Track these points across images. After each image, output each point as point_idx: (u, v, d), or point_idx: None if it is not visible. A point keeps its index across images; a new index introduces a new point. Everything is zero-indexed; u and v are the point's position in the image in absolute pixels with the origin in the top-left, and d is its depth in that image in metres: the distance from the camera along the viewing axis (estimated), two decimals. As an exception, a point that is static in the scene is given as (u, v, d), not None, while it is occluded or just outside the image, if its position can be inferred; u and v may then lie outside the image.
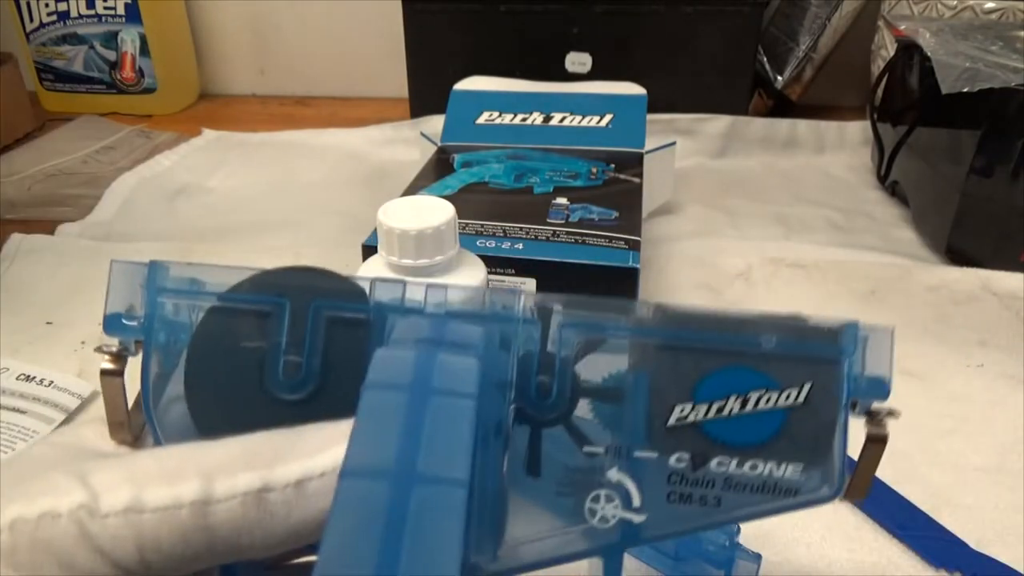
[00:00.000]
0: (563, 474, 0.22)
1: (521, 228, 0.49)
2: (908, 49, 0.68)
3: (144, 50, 0.95)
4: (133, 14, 0.93)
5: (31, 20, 0.94)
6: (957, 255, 0.60)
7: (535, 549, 0.22)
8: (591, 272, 0.45)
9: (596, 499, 0.22)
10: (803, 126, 0.83)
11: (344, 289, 0.22)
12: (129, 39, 0.94)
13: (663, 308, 0.22)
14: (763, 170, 0.80)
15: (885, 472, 0.40)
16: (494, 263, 0.45)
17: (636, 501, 0.22)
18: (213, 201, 0.74)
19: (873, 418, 0.22)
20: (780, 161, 0.81)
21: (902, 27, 0.68)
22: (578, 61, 0.83)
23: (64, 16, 0.93)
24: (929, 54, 0.60)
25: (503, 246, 0.47)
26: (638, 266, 0.46)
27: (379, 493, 0.16)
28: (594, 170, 0.59)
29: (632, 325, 0.22)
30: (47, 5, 0.93)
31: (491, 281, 0.44)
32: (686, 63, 0.82)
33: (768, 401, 0.21)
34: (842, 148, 0.83)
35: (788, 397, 0.21)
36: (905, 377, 0.47)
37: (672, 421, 0.22)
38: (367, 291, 0.22)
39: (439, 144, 0.65)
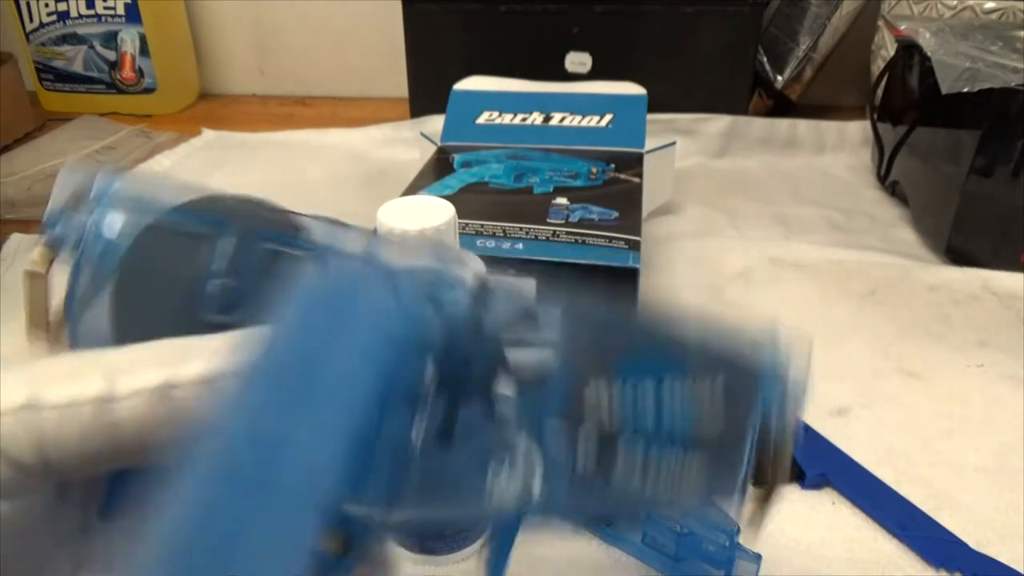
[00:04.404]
0: (474, 444, 0.22)
1: (521, 228, 0.49)
2: (908, 49, 0.68)
3: (144, 50, 0.95)
4: (133, 14, 0.93)
5: (31, 20, 0.94)
6: (957, 255, 0.60)
7: (432, 507, 0.21)
8: (591, 272, 0.45)
9: (500, 463, 0.21)
10: (803, 126, 0.83)
11: (283, 222, 0.22)
12: (129, 39, 0.94)
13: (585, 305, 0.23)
14: (763, 170, 0.80)
15: (885, 472, 0.40)
16: (494, 263, 0.45)
17: (538, 472, 0.21)
18: (213, 201, 0.74)
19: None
20: (780, 161, 0.81)
21: (902, 27, 0.68)
22: (578, 61, 0.83)
23: (64, 16, 0.93)
24: (929, 54, 0.60)
25: (503, 246, 0.47)
26: (638, 266, 0.46)
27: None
28: (594, 170, 0.59)
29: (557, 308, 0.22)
30: (47, 5, 0.93)
31: (491, 280, 0.44)
32: (686, 63, 0.82)
33: (682, 389, 0.21)
34: (842, 148, 0.83)
35: (703, 388, 0.21)
36: (905, 377, 0.47)
37: (587, 396, 0.22)
38: (305, 228, 0.22)
39: (439, 144, 0.65)
